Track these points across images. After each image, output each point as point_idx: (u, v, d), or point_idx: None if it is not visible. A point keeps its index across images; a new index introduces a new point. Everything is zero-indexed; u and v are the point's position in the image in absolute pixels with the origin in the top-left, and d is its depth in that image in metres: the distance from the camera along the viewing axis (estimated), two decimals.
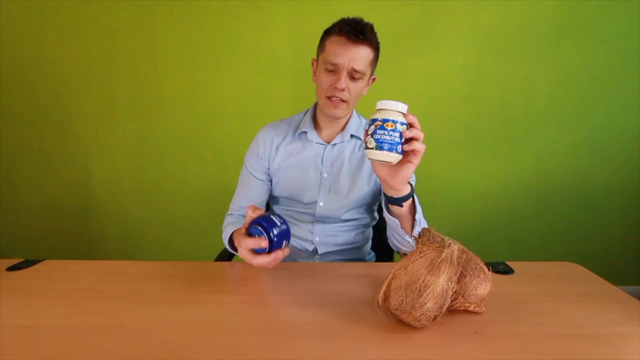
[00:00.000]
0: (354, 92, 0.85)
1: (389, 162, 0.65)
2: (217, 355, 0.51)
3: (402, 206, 0.74)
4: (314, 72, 0.90)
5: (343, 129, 0.95)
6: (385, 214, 0.80)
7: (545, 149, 1.69)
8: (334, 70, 0.83)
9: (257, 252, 0.69)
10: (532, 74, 1.61)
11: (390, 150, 0.63)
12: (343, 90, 0.83)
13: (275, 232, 0.67)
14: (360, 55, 0.81)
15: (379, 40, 0.84)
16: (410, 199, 0.74)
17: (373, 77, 0.90)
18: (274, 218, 0.69)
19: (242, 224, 0.90)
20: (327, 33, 0.85)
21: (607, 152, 1.67)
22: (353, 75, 0.82)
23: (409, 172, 0.67)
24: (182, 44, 1.63)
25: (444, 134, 1.69)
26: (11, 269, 0.82)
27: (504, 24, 1.56)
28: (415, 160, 0.66)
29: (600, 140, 1.67)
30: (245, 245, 0.69)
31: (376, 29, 0.83)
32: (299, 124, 0.97)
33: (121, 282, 0.74)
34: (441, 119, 1.67)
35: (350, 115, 0.96)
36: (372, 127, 0.63)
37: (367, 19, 0.83)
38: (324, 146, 0.94)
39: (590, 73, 1.60)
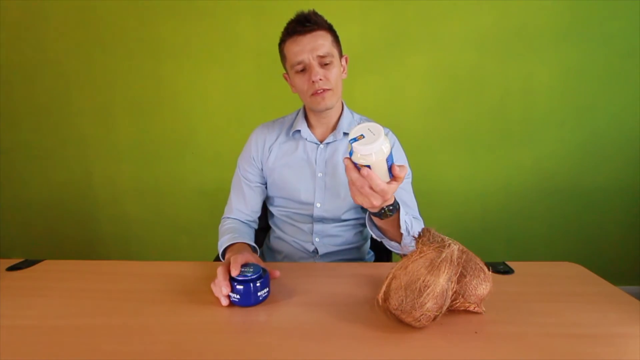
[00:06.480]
0: (333, 78, 0.84)
1: None
2: (217, 355, 0.51)
3: (380, 218, 0.71)
4: (291, 85, 0.90)
5: (335, 127, 0.94)
6: (367, 221, 0.78)
7: (545, 149, 1.69)
8: (304, 68, 0.83)
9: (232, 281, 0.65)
10: (532, 74, 1.61)
11: None
12: (321, 79, 0.82)
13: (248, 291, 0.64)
14: (317, 41, 0.81)
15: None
16: (390, 214, 0.71)
17: (344, 57, 0.90)
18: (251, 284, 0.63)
19: (238, 231, 0.90)
20: (281, 43, 0.87)
21: (607, 152, 1.67)
22: (323, 62, 0.82)
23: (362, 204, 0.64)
24: (182, 44, 1.63)
25: (443, 133, 1.69)
26: (11, 269, 0.82)
27: (504, 24, 1.56)
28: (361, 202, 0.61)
29: (600, 140, 1.66)
30: (224, 282, 0.64)
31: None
32: (293, 122, 0.97)
33: (121, 282, 0.74)
34: (441, 119, 1.67)
35: (342, 112, 0.95)
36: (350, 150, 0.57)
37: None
38: (317, 145, 0.94)
39: (590, 73, 1.59)
